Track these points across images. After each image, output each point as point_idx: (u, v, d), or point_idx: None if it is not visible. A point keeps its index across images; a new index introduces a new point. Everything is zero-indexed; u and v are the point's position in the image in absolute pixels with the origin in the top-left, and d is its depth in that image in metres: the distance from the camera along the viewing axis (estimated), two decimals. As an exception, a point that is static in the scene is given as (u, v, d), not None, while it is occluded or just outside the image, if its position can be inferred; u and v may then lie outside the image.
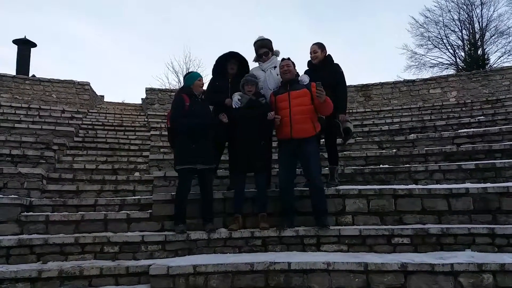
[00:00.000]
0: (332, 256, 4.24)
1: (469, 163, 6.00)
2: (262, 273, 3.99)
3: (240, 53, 5.60)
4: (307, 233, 4.69)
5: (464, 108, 10.51)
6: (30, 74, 14.56)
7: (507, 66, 13.88)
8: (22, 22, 47.52)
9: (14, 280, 3.97)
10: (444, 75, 14.42)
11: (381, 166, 6.55)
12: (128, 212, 5.16)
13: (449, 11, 25.36)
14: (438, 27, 25.80)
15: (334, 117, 5.23)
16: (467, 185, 5.19)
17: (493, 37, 24.52)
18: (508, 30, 24.08)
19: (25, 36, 15.20)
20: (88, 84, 13.28)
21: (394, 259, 4.05)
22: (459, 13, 25.22)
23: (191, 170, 4.85)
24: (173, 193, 5.08)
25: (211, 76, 5.78)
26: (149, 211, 5.12)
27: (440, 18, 25.67)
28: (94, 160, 7.71)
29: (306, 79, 5.05)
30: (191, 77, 5.22)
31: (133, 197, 5.75)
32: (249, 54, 5.67)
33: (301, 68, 5.50)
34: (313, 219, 4.86)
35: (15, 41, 15.21)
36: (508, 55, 24.15)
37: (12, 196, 5.21)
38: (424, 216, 4.91)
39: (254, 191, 5.23)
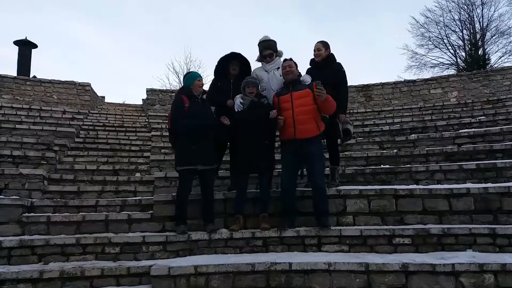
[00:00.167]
0: (333, 257, 4.24)
1: (470, 163, 6.00)
2: (263, 273, 3.99)
3: (242, 53, 5.60)
4: (308, 233, 4.69)
5: (465, 108, 10.50)
6: (31, 75, 14.57)
7: (508, 66, 13.89)
8: (23, 23, 47.65)
9: (16, 281, 3.97)
10: (445, 75, 14.42)
11: (382, 166, 6.55)
12: (129, 212, 5.16)
13: (450, 11, 25.37)
14: (438, 27, 25.81)
15: (335, 116, 5.23)
16: (468, 185, 5.18)
17: (493, 37, 24.52)
18: (509, 30, 24.08)
19: (26, 37, 15.24)
20: (89, 85, 13.30)
21: (395, 260, 4.04)
22: (459, 13, 25.22)
23: (192, 171, 4.85)
24: (174, 194, 5.08)
25: (213, 77, 5.78)
26: (150, 211, 5.12)
27: (441, 18, 25.68)
28: (95, 161, 7.73)
29: (308, 79, 5.05)
30: (191, 78, 5.21)
31: (134, 198, 5.76)
32: (250, 55, 5.68)
33: (303, 68, 5.50)
34: (314, 219, 4.86)
35: (16, 42, 15.25)
36: (509, 55, 24.15)
37: (14, 197, 5.22)
38: (425, 216, 4.90)
39: (254, 191, 5.24)
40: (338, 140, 5.69)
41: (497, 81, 12.54)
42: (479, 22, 24.77)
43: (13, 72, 14.22)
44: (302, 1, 54.33)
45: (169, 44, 51.40)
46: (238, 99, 5.15)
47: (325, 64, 5.42)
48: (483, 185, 5.09)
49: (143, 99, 15.22)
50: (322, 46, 5.48)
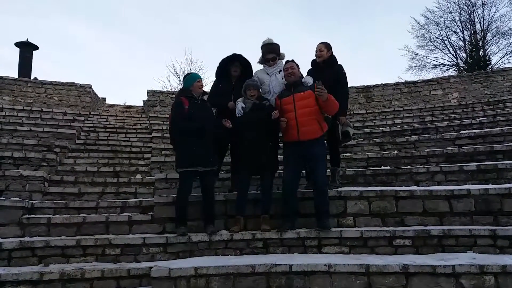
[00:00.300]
0: (333, 258, 4.23)
1: (470, 165, 6.01)
2: (263, 275, 3.99)
3: (243, 55, 5.60)
4: (309, 235, 4.69)
5: (465, 109, 10.49)
6: (32, 77, 14.60)
7: (508, 67, 13.87)
8: (24, 25, 47.76)
9: (16, 282, 3.98)
10: (445, 76, 14.41)
11: (382, 167, 6.56)
12: (129, 214, 5.16)
13: (450, 12, 25.35)
14: (439, 28, 25.79)
15: (335, 119, 5.23)
16: (469, 186, 5.18)
17: (494, 38, 24.49)
18: (510, 31, 24.03)
19: (27, 39, 15.25)
20: (89, 86, 13.31)
21: (395, 261, 4.04)
22: (460, 14, 25.21)
23: (192, 173, 4.85)
24: (174, 195, 5.08)
25: (215, 79, 5.78)
26: (151, 213, 5.12)
27: (441, 19, 25.65)
28: (96, 162, 7.73)
29: (310, 81, 5.03)
30: (190, 79, 5.20)
31: (135, 200, 5.75)
32: (251, 56, 5.68)
33: (304, 70, 5.50)
34: (314, 221, 4.86)
35: (17, 44, 15.26)
36: (510, 56, 24.12)
37: (14, 198, 5.22)
38: (425, 217, 4.90)
39: (255, 193, 5.24)
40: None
41: (497, 82, 12.54)
42: (480, 23, 24.78)
43: (14, 74, 14.26)
44: (302, 3, 54.39)
45: (170, 46, 51.44)
46: (239, 104, 5.14)
47: (326, 66, 5.42)
48: (484, 186, 5.08)
49: (143, 101, 15.22)
50: (324, 47, 5.48)
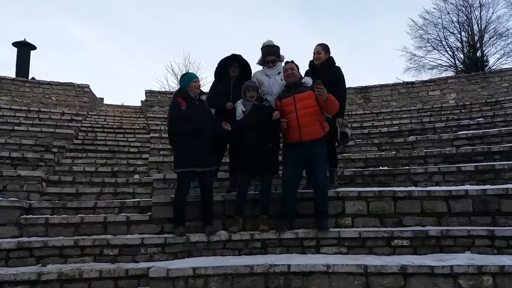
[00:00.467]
0: (331, 259, 4.23)
1: (468, 165, 6.02)
2: (261, 275, 3.98)
3: (242, 56, 5.60)
4: (307, 235, 4.69)
5: (463, 110, 10.51)
6: (30, 77, 14.56)
7: (506, 68, 13.92)
8: (22, 25, 47.62)
9: (14, 283, 3.97)
10: (443, 77, 14.45)
11: (380, 168, 6.56)
12: (127, 214, 5.15)
13: (448, 13, 25.45)
14: (437, 29, 25.89)
15: (334, 120, 5.23)
16: (467, 187, 5.18)
17: (492, 39, 24.60)
18: (507, 32, 24.16)
19: (24, 39, 15.21)
20: (87, 86, 13.28)
21: (393, 261, 4.05)
22: (458, 15, 25.31)
23: (190, 173, 4.84)
24: (172, 196, 5.07)
25: (213, 79, 5.77)
26: (149, 213, 5.12)
27: (439, 20, 25.76)
28: (94, 162, 7.71)
29: (309, 81, 5.03)
30: (187, 79, 5.17)
31: (133, 200, 5.74)
32: (250, 57, 5.68)
33: (303, 71, 5.49)
34: (313, 221, 4.86)
35: (14, 44, 15.21)
36: (507, 57, 24.24)
37: (12, 198, 5.20)
38: (423, 218, 4.91)
39: (253, 193, 5.24)
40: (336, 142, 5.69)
41: (495, 83, 12.57)
42: (478, 24, 24.89)
43: (12, 74, 14.20)
44: (302, 4, 54.45)
45: (168, 46, 51.45)
46: (239, 107, 5.12)
47: (324, 68, 5.42)
48: (482, 187, 5.09)
49: (141, 101, 15.20)
50: (322, 50, 5.48)
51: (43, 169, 6.66)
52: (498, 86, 12.51)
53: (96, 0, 52.86)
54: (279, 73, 5.38)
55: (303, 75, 5.29)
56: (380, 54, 49.06)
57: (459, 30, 25.45)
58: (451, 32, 25.63)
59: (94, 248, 4.61)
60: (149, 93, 13.95)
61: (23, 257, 4.47)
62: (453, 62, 25.63)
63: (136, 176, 7.08)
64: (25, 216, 5.01)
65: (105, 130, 10.11)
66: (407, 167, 6.46)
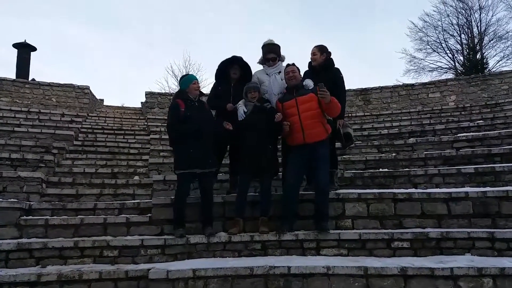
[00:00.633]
0: (331, 260, 4.23)
1: (468, 167, 6.02)
2: (261, 277, 3.98)
3: (243, 57, 5.60)
4: (307, 237, 4.68)
5: (463, 112, 10.53)
6: (30, 78, 14.57)
7: (506, 71, 13.91)
8: (23, 26, 47.67)
9: (13, 284, 3.96)
10: (443, 79, 14.46)
11: (380, 170, 6.56)
12: (127, 216, 5.14)
13: (448, 15, 25.44)
14: (437, 32, 25.87)
15: (334, 121, 5.23)
16: (467, 189, 5.19)
17: (491, 42, 24.57)
18: (507, 34, 24.11)
19: (25, 40, 15.22)
20: (87, 88, 13.29)
21: (394, 263, 4.05)
22: (457, 17, 25.29)
23: (190, 174, 4.84)
24: (172, 197, 5.07)
25: (214, 81, 5.78)
26: (149, 215, 5.11)
27: (439, 23, 25.72)
28: (94, 164, 7.71)
29: (311, 84, 5.01)
30: (186, 81, 5.16)
31: (133, 201, 5.72)
32: (250, 59, 5.68)
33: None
34: (313, 223, 4.86)
35: (15, 45, 15.23)
36: (507, 60, 24.21)
37: (12, 199, 5.19)
38: (423, 220, 4.91)
39: (253, 195, 5.23)
40: (337, 144, 5.69)
41: (495, 85, 12.58)
42: (477, 27, 24.87)
43: (12, 75, 14.20)
44: (302, 6, 54.52)
45: (168, 48, 51.47)
46: (241, 108, 5.12)
47: (323, 69, 5.42)
48: (482, 189, 5.10)
49: (142, 102, 15.19)
50: (318, 51, 5.48)
51: (43, 170, 6.66)
52: (498, 88, 12.52)
53: (96, 2, 52.97)
54: (280, 72, 5.38)
55: (302, 76, 5.29)
56: (380, 56, 49.15)
57: (459, 33, 25.46)
58: (450, 35, 25.64)
59: (94, 250, 4.60)
60: (149, 94, 13.95)
61: (23, 258, 4.46)
62: (453, 64, 25.65)
63: (136, 178, 7.07)
64: (25, 217, 5.01)
65: (105, 131, 10.11)
66: (407, 169, 6.46)
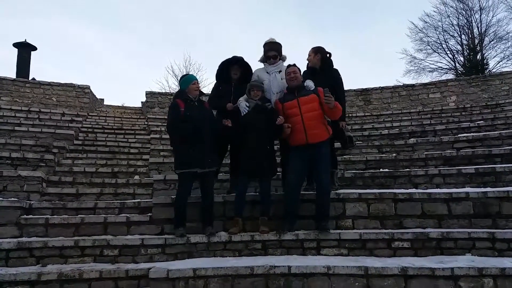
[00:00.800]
0: (332, 260, 4.23)
1: (469, 168, 6.03)
2: (262, 276, 3.98)
3: (243, 58, 5.60)
4: (307, 236, 4.68)
5: (463, 113, 10.53)
6: (30, 77, 14.56)
7: (506, 71, 13.92)
8: (23, 26, 47.68)
9: (14, 283, 3.96)
10: (443, 80, 14.46)
11: (381, 170, 6.57)
12: (127, 215, 5.14)
13: (448, 16, 25.46)
14: (437, 32, 25.90)
15: (334, 122, 5.23)
16: (467, 189, 5.19)
17: (492, 42, 24.59)
18: (507, 35, 24.13)
19: (25, 40, 15.22)
20: (88, 87, 13.29)
21: (394, 263, 4.05)
22: (458, 18, 25.32)
23: (191, 174, 4.83)
24: (173, 197, 5.07)
25: (215, 81, 5.78)
26: (149, 214, 5.11)
27: (439, 23, 25.76)
28: (94, 163, 7.71)
29: (311, 85, 5.01)
30: (185, 81, 5.17)
31: (133, 200, 5.73)
32: (250, 59, 5.68)
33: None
34: (313, 222, 4.86)
35: (15, 44, 15.23)
36: (507, 60, 24.23)
37: (12, 199, 5.19)
38: (424, 220, 4.91)
39: (253, 194, 5.23)
40: (336, 144, 5.70)
41: (495, 86, 12.58)
42: (478, 27, 24.90)
43: (12, 74, 14.20)
44: (302, 7, 54.52)
45: (169, 47, 51.47)
46: (243, 102, 5.13)
47: (321, 70, 5.42)
48: (482, 189, 5.10)
49: (142, 102, 15.21)
50: (312, 52, 5.50)
51: (43, 170, 6.66)
52: (498, 89, 12.52)
53: (97, 1, 52.96)
54: (280, 71, 5.37)
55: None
56: (381, 57, 49.13)
57: (459, 33, 25.49)
58: (451, 35, 25.67)
59: (94, 249, 4.60)
60: (149, 94, 13.95)
61: (23, 257, 4.46)
62: (453, 65, 25.67)
63: (137, 177, 7.07)
64: (25, 216, 5.01)
65: (106, 131, 10.12)
66: (407, 169, 6.46)
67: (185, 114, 4.87)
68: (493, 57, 24.86)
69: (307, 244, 4.67)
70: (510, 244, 4.39)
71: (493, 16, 25.01)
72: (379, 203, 5.02)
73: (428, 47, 26.16)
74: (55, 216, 5.08)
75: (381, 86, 13.52)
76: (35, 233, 4.84)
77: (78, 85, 13.19)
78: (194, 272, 3.97)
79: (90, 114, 11.72)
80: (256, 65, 5.63)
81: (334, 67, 5.57)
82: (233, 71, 5.55)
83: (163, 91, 21.23)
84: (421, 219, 4.91)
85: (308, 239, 4.67)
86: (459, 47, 25.58)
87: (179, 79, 5.56)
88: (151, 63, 49.60)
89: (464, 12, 25.11)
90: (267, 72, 5.45)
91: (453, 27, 25.45)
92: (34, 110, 10.44)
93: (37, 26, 51.06)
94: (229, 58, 5.58)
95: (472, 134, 7.84)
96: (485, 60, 24.29)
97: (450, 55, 25.73)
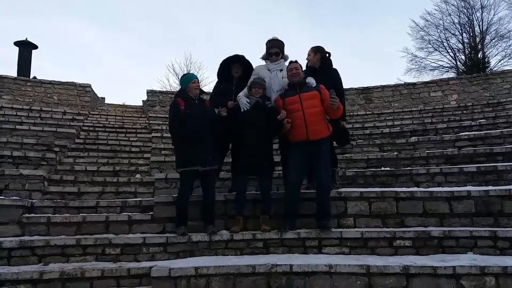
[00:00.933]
0: (334, 259, 4.22)
1: (470, 166, 6.01)
2: (263, 275, 3.98)
3: (245, 56, 5.59)
4: (309, 235, 4.68)
5: (465, 111, 10.51)
6: (31, 76, 14.57)
7: (508, 70, 13.90)
8: (24, 25, 47.69)
9: (16, 281, 3.96)
10: (445, 78, 14.46)
11: (382, 168, 6.55)
12: (129, 214, 5.14)
13: (450, 14, 25.44)
14: (438, 31, 25.88)
15: (336, 121, 5.23)
16: (469, 188, 5.18)
17: (493, 41, 24.58)
18: (508, 33, 24.13)
19: (26, 38, 15.23)
20: (89, 86, 13.30)
21: (396, 262, 4.04)
22: (459, 16, 25.30)
23: (192, 172, 4.83)
24: (174, 195, 5.07)
25: (217, 80, 5.78)
26: (151, 213, 5.11)
27: (441, 22, 25.75)
28: (95, 162, 7.72)
29: (313, 82, 5.03)
30: (185, 80, 5.20)
31: (135, 199, 5.74)
32: (251, 58, 5.67)
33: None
34: (314, 221, 4.86)
35: (16, 43, 15.24)
36: (509, 59, 24.22)
37: (14, 197, 5.20)
38: (425, 218, 4.90)
39: (255, 193, 5.23)
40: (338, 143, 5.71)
41: (497, 84, 12.56)
42: (479, 26, 24.88)
43: (14, 73, 14.23)
44: (303, 5, 54.41)
45: (170, 46, 51.47)
46: (244, 98, 5.13)
47: (321, 69, 5.42)
48: (484, 188, 5.09)
49: (143, 101, 15.23)
50: (311, 51, 5.51)
51: (45, 168, 6.66)
52: (499, 87, 12.50)
53: (97, 1, 52.94)
54: (281, 70, 5.36)
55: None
56: (382, 55, 49.05)
57: (460, 32, 25.47)
58: (452, 34, 25.66)
59: (96, 247, 4.60)
60: (150, 92, 13.96)
61: (25, 256, 4.46)
62: (454, 63, 25.65)
63: (138, 176, 7.07)
64: (27, 215, 5.01)
65: (107, 129, 10.13)
66: (409, 168, 6.46)
67: (185, 112, 4.87)
68: (495, 56, 25.00)
69: (309, 243, 4.67)
70: (512, 243, 4.38)
71: (494, 14, 25.08)
72: (381, 202, 5.01)
73: (429, 45, 26.18)
74: (57, 215, 5.08)
75: (382, 84, 13.52)
76: (37, 231, 4.85)
77: (79, 83, 13.21)
78: (196, 271, 3.97)
79: (91, 113, 11.73)
80: (257, 63, 5.62)
81: (334, 66, 5.57)
82: (234, 69, 5.55)
83: (164, 89, 21.20)
84: (423, 218, 4.91)
85: (309, 238, 4.67)
86: (460, 46, 25.60)
87: (180, 78, 5.57)
88: (152, 63, 49.67)
89: (465, 10, 25.12)
90: (268, 70, 5.43)
91: (454, 26, 25.47)
92: (36, 108, 10.45)
93: (37, 25, 51.15)
94: (231, 56, 5.58)
95: (473, 132, 7.82)
96: (487, 58, 24.29)
97: (451, 54, 25.74)
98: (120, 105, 16.49)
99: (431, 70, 26.15)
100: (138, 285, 4.19)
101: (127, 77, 51.43)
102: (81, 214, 5.11)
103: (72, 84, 13.09)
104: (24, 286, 3.98)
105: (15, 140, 7.60)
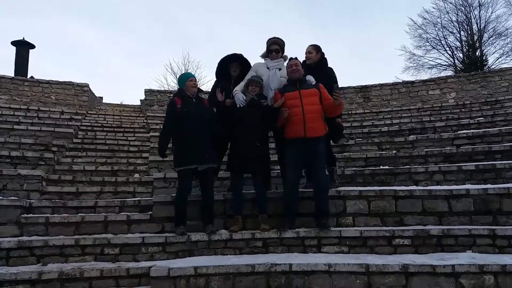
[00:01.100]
0: (333, 258, 4.23)
1: (469, 164, 6.01)
2: (263, 274, 3.98)
3: (243, 55, 5.58)
4: (308, 234, 4.68)
5: (463, 109, 10.52)
6: (29, 76, 14.52)
7: (506, 68, 13.90)
8: (23, 25, 47.56)
9: (14, 282, 3.95)
10: (443, 76, 14.43)
11: (381, 167, 6.56)
12: (128, 213, 5.14)
13: (447, 12, 25.44)
14: (436, 29, 25.88)
15: (333, 119, 5.23)
16: (468, 186, 5.18)
17: (491, 39, 24.58)
18: (506, 31, 24.14)
19: (23, 38, 15.17)
20: (87, 85, 13.26)
21: (395, 261, 4.04)
22: (457, 14, 25.30)
23: (191, 171, 4.83)
24: (173, 195, 5.06)
25: (215, 79, 5.77)
26: (149, 212, 5.10)
27: (438, 20, 25.74)
28: (94, 161, 7.70)
29: (313, 80, 5.05)
30: (183, 79, 5.22)
31: (133, 199, 5.73)
32: (249, 57, 5.66)
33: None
34: (314, 220, 4.86)
35: (13, 43, 15.18)
36: (506, 57, 24.24)
37: (12, 197, 5.17)
38: (424, 217, 4.91)
39: (253, 192, 5.22)
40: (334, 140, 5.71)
41: (495, 82, 12.56)
42: (477, 24, 24.89)
43: (11, 73, 14.17)
44: (302, 5, 54.39)
45: (168, 45, 51.38)
46: (240, 94, 5.12)
47: (317, 68, 5.42)
48: (483, 186, 5.10)
49: (141, 100, 15.19)
50: (313, 49, 5.50)
51: (43, 168, 6.64)
52: (498, 85, 12.50)
53: (97, 1, 52.83)
54: (280, 69, 5.35)
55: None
56: (380, 53, 49.06)
57: (458, 30, 25.47)
58: (450, 32, 25.65)
59: (95, 247, 4.59)
60: (148, 92, 13.93)
61: (24, 256, 4.45)
62: (452, 61, 25.66)
63: (136, 175, 7.06)
64: (25, 215, 4.99)
65: (105, 129, 10.11)
66: (407, 166, 6.46)
67: (181, 110, 4.88)
68: (492, 54, 24.89)
69: (308, 242, 4.67)
70: (511, 241, 4.38)
71: (492, 12, 25.02)
72: (380, 200, 5.01)
73: (427, 43, 26.18)
74: (55, 215, 5.07)
75: (381, 83, 13.50)
76: (35, 232, 4.83)
77: (77, 83, 13.16)
78: (195, 271, 3.97)
79: (89, 112, 11.70)
80: (258, 58, 5.61)
81: (329, 66, 5.58)
82: (232, 68, 5.55)
83: (162, 89, 21.17)
84: (422, 216, 4.91)
85: (308, 237, 4.67)
86: (458, 44, 25.60)
87: (177, 78, 5.58)
88: (151, 62, 49.48)
89: (463, 8, 25.12)
90: (267, 68, 5.42)
91: (452, 24, 25.47)
92: (33, 108, 10.41)
93: (37, 25, 51.02)
94: (229, 55, 5.58)
95: (472, 130, 7.82)
96: (484, 56, 24.29)
97: (449, 52, 25.75)
98: (118, 104, 16.45)
99: (429, 68, 26.19)
100: (137, 285, 4.18)
101: (127, 77, 51.40)
102: (79, 214, 5.10)
103: (70, 83, 13.04)
104: (22, 286, 3.97)
105: (13, 140, 7.57)
